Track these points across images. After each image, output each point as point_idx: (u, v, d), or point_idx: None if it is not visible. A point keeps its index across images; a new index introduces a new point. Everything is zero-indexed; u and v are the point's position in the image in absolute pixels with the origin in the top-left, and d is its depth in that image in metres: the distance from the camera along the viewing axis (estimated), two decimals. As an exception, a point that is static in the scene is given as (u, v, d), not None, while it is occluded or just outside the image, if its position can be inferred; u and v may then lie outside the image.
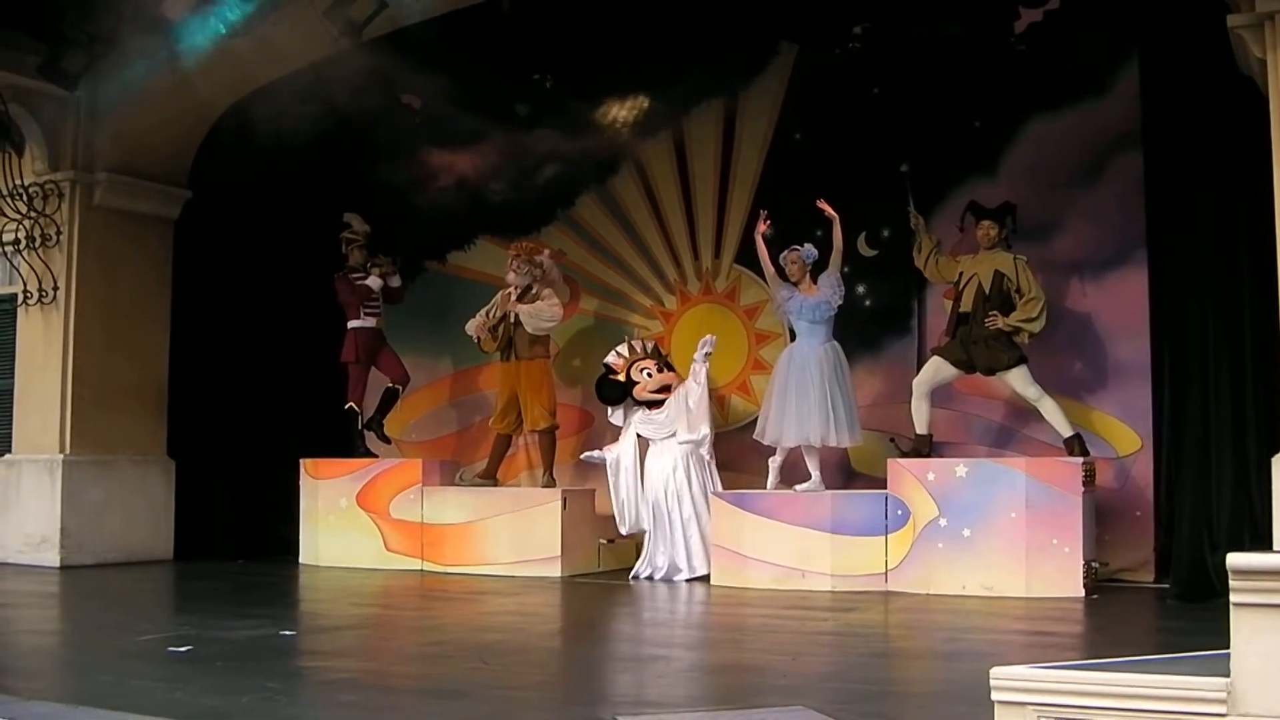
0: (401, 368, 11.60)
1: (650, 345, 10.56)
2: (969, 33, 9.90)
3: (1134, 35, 9.38)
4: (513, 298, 10.74)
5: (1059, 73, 9.64)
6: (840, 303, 9.57)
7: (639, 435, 10.25)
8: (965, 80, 9.97)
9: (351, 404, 11.45)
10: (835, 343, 9.61)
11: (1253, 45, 7.35)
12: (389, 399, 11.63)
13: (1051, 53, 9.66)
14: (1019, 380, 9.10)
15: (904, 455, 9.25)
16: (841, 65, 10.56)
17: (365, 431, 11.54)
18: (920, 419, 9.33)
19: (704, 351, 10.09)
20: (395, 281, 11.57)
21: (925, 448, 9.28)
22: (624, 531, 10.31)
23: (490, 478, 11.00)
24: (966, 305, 9.24)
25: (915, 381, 9.42)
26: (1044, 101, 9.75)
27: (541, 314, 10.69)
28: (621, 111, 11.38)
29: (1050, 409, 9.03)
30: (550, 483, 10.71)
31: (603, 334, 11.54)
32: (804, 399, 9.42)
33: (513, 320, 10.72)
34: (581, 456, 10.58)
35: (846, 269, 9.90)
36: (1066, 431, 9.00)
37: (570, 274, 11.65)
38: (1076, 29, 9.56)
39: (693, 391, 10.05)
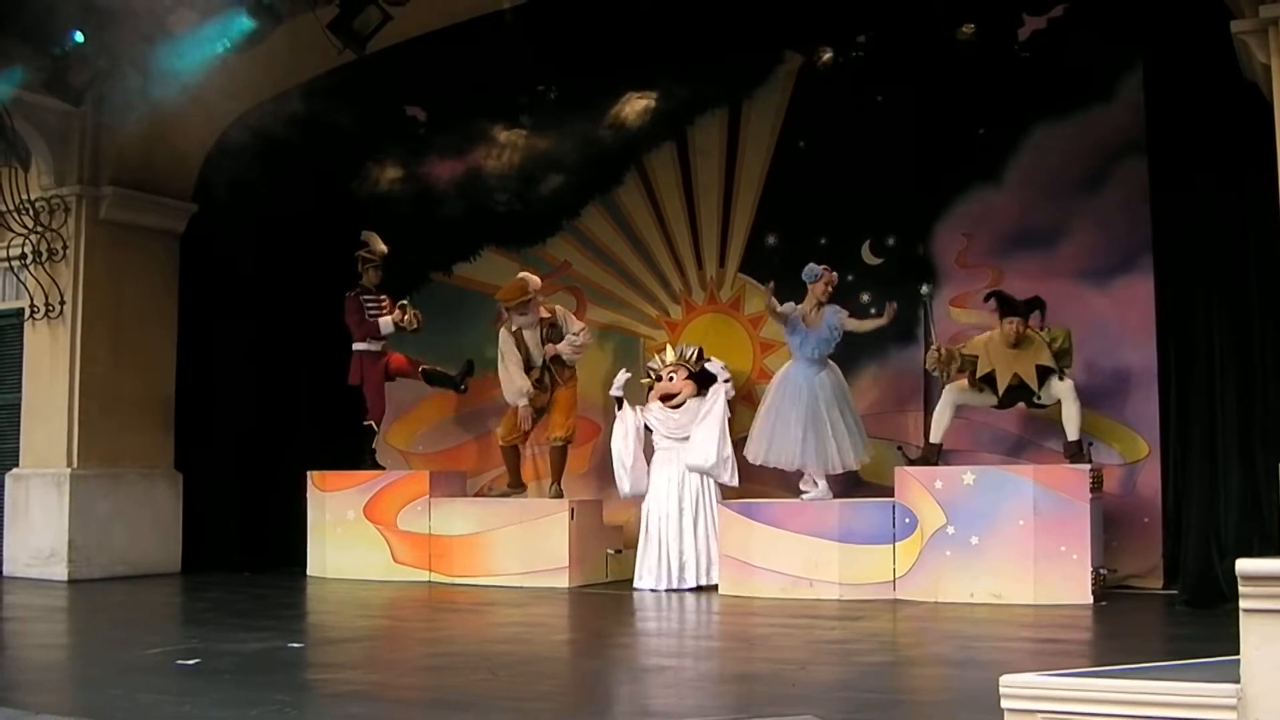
0: (383, 405, 11.50)
1: (692, 350, 10.46)
2: (973, 40, 9.93)
3: (1138, 41, 9.39)
4: (541, 339, 10.75)
5: (1063, 79, 9.65)
6: (838, 340, 9.55)
7: (648, 428, 10.31)
8: (969, 87, 9.98)
9: (370, 422, 11.44)
10: (832, 364, 9.66)
11: (1257, 51, 7.36)
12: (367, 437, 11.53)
13: (1056, 59, 9.66)
14: (1065, 387, 8.99)
15: (912, 463, 9.23)
16: (845, 73, 10.57)
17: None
18: (939, 427, 9.27)
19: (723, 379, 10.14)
20: (414, 325, 11.29)
21: (934, 456, 9.25)
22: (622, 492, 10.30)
23: (519, 486, 10.97)
24: (1008, 392, 9.05)
25: (948, 386, 9.28)
26: (1048, 108, 9.75)
27: (575, 344, 10.76)
28: (626, 119, 11.38)
29: (1072, 411, 8.97)
30: (558, 493, 10.71)
31: (608, 344, 11.55)
32: (787, 423, 9.53)
33: (546, 362, 10.78)
34: (613, 390, 10.45)
35: (867, 334, 9.81)
36: (1073, 435, 8.99)
37: (576, 284, 11.66)
38: (1080, 35, 9.57)
39: (701, 413, 10.08)
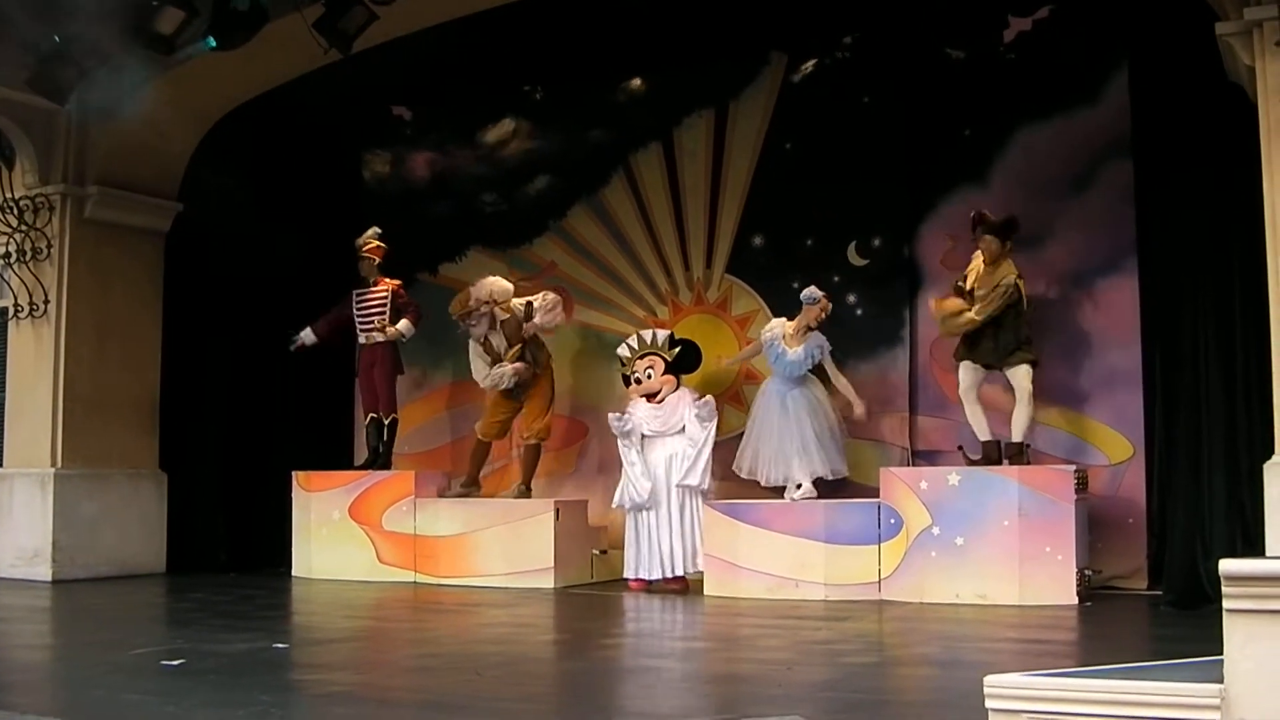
0: (373, 397, 11.43)
1: (663, 335, 10.34)
2: (959, 42, 9.95)
3: (1123, 43, 9.43)
4: (510, 334, 10.71)
5: (1049, 81, 9.67)
6: (810, 366, 9.68)
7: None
8: (955, 89, 10.01)
9: (371, 414, 11.43)
10: (810, 377, 9.75)
11: (1241, 53, 7.39)
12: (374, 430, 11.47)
13: (1041, 61, 9.69)
14: (1025, 375, 9.03)
15: (974, 463, 9.13)
16: (832, 75, 10.59)
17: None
18: (979, 426, 9.20)
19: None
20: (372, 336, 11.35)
21: (995, 454, 9.12)
22: (615, 504, 10.16)
23: (474, 484, 10.92)
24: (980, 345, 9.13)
25: (961, 391, 9.26)
26: (1034, 110, 9.77)
27: (547, 308, 10.64)
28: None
29: (1024, 413, 8.99)
30: (524, 493, 10.71)
31: (595, 344, 11.53)
32: (767, 438, 9.70)
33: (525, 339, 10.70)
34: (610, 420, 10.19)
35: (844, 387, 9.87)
36: (1018, 436, 9.00)
37: (563, 285, 11.62)
38: (1066, 38, 9.61)
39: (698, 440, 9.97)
